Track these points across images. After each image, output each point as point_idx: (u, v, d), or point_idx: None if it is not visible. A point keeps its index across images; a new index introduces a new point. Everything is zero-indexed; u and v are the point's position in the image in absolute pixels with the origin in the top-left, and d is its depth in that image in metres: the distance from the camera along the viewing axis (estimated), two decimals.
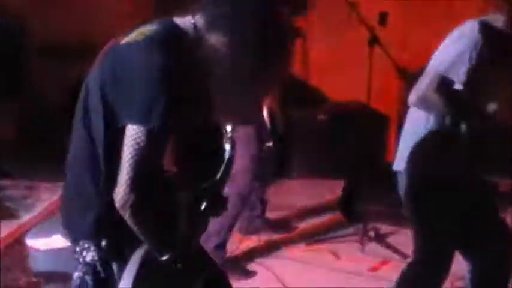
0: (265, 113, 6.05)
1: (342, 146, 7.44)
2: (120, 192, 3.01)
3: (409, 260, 4.67)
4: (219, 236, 5.61)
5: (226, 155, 3.58)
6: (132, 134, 2.99)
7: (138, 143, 2.97)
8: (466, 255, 4.60)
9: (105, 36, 3.96)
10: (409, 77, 4.85)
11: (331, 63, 8.01)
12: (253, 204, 6.35)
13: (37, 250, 5.42)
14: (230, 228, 5.76)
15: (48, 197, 6.72)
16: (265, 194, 6.55)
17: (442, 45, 4.42)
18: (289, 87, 6.84)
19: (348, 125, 7.53)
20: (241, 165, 5.53)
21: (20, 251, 5.87)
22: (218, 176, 3.48)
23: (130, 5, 8.24)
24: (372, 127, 7.28)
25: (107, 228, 3.22)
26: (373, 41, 6.53)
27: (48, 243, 4.95)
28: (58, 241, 3.90)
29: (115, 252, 3.25)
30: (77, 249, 3.28)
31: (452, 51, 4.29)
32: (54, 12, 7.75)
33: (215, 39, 3.15)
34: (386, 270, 5.55)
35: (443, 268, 4.46)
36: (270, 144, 6.13)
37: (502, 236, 4.56)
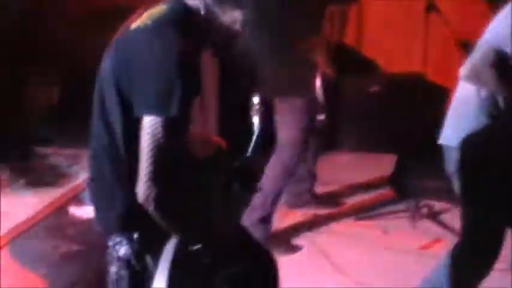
0: (318, 84, 6.00)
1: (395, 119, 7.39)
2: (142, 187, 2.99)
3: None
4: (264, 209, 5.56)
5: (255, 129, 3.45)
6: (150, 125, 2.93)
7: (155, 135, 2.92)
8: None
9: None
10: (469, 47, 4.75)
11: (387, 31, 7.99)
12: (302, 177, 6.30)
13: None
14: (275, 200, 5.72)
15: None
16: (314, 168, 6.52)
17: (495, 18, 4.30)
18: (341, 57, 6.80)
19: (403, 97, 7.46)
20: (288, 136, 5.47)
21: (61, 219, 5.95)
22: (248, 153, 3.38)
23: None
24: (428, 99, 7.10)
25: (137, 221, 3.19)
26: (431, 7, 6.43)
27: (91, 212, 4.99)
28: None
29: (148, 245, 3.22)
30: (110, 243, 3.26)
31: (506, 24, 4.17)
32: None
33: (227, 15, 3.09)
34: (438, 249, 5.48)
35: (492, 249, 4.41)
36: (322, 117, 6.11)
37: None
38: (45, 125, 7.31)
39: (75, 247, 5.46)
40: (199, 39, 3.05)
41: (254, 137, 3.41)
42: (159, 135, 2.89)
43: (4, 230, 5.68)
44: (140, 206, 3.05)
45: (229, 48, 3.27)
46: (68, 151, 7.09)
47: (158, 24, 2.99)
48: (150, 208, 3.01)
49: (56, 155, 7.12)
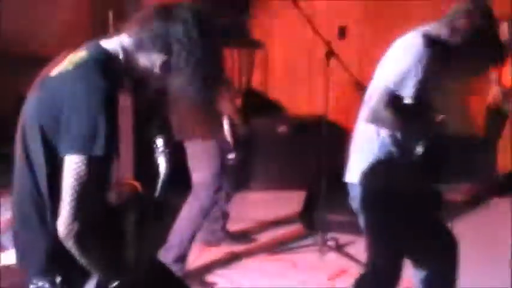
0: (226, 125, 6.09)
1: (302, 157, 7.54)
2: (63, 223, 2.98)
3: None
4: (180, 248, 5.61)
5: (162, 170, 3.50)
6: (72, 163, 2.95)
7: (78, 173, 2.93)
8: (416, 264, 4.61)
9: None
10: (364, 89, 4.94)
11: (291, 75, 8.11)
12: (215, 216, 6.39)
13: None
14: (191, 240, 5.76)
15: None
16: (227, 206, 6.58)
17: (386, 58, 4.47)
18: (250, 100, 6.97)
19: (307, 137, 7.57)
20: (202, 177, 5.56)
21: None
22: (156, 194, 3.42)
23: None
24: (331, 138, 7.17)
25: (60, 263, 3.19)
26: (330, 54, 6.59)
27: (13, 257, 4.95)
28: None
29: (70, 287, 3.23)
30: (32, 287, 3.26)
31: (399, 67, 4.29)
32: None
33: (145, 58, 3.18)
34: (345, 279, 5.56)
35: (394, 276, 4.50)
36: (233, 156, 6.18)
37: (450, 246, 4.60)
38: None
39: None
40: (118, 80, 3.08)
41: (160, 179, 3.44)
42: (82, 173, 2.89)
43: None
44: (62, 247, 3.03)
45: (144, 88, 3.25)
46: None
47: (80, 68, 3.01)
48: (70, 243, 3.00)
49: None
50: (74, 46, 3.51)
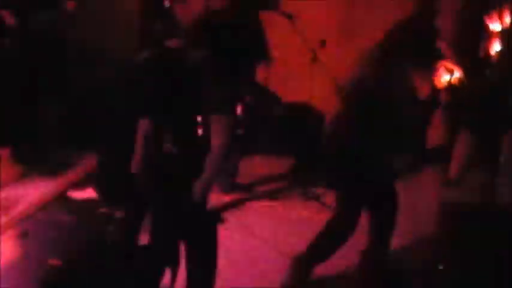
0: (239, 108, 6.12)
1: (291, 132, 7.43)
2: None
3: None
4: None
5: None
6: None
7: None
8: (371, 212, 4.64)
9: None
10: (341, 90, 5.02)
11: (289, 75, 8.05)
12: (229, 172, 6.41)
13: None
14: (210, 186, 5.73)
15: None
16: (237, 165, 6.59)
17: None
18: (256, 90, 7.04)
19: (297, 119, 7.53)
20: (219, 142, 5.61)
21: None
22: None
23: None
24: (314, 121, 7.26)
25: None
26: (314, 59, 6.61)
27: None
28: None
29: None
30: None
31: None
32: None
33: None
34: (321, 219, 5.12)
35: (352, 225, 4.50)
36: (241, 131, 6.19)
37: (393, 200, 4.65)
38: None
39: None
40: None
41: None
42: None
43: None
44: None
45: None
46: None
47: None
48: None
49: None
50: None
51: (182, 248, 3.81)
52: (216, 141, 5.23)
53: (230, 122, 5.66)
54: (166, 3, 7.33)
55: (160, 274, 3.68)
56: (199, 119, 3.88)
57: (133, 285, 3.56)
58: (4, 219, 5.22)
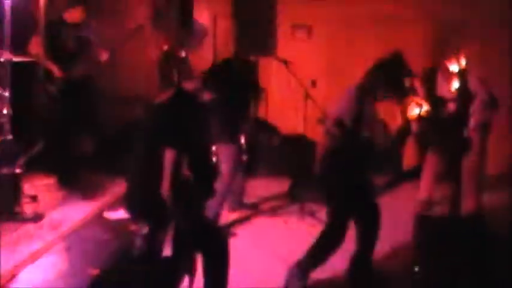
0: (242, 137, 6.02)
1: (289, 157, 7.44)
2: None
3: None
4: (217, 208, 5.57)
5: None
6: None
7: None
8: (358, 224, 4.65)
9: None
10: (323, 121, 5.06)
11: (284, 108, 8.05)
12: (237, 192, 6.33)
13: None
14: (222, 205, 5.74)
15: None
16: (243, 186, 6.49)
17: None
18: (257, 123, 7.06)
19: (292, 146, 7.53)
20: (227, 167, 5.62)
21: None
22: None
23: None
24: (308, 148, 7.21)
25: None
26: (307, 96, 6.60)
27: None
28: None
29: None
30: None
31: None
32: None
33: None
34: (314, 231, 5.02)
35: (341, 235, 4.47)
36: (245, 157, 6.10)
37: (376, 213, 4.66)
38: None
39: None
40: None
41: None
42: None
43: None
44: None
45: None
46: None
47: None
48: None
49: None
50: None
51: (199, 258, 3.82)
52: (224, 166, 5.29)
53: (234, 151, 5.74)
54: (183, 54, 7.45)
55: (179, 281, 3.69)
56: (213, 148, 3.90)
57: None
58: (51, 237, 5.24)
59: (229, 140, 5.68)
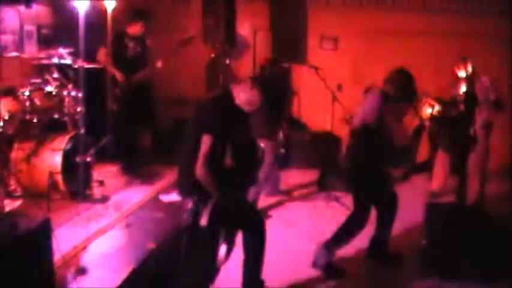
0: (281, 133, 6.10)
1: (318, 152, 7.42)
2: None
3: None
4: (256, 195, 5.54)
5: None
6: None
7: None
8: (378, 210, 4.65)
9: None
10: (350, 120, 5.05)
11: (313, 108, 8.00)
12: (273, 180, 6.34)
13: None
14: (259, 192, 5.68)
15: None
16: (279, 175, 6.50)
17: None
18: (292, 122, 7.09)
19: (322, 142, 7.53)
20: (268, 158, 5.57)
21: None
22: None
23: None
24: (334, 144, 7.31)
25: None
26: (334, 99, 6.62)
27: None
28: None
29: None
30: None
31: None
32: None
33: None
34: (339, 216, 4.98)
35: (365, 218, 4.47)
36: (283, 150, 6.21)
37: (393, 201, 4.65)
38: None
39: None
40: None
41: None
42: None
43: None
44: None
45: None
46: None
47: None
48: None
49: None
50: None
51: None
52: (266, 158, 5.27)
53: (272, 146, 5.76)
54: (227, 61, 7.55)
55: (217, 249, 3.67)
56: (259, 143, 3.90)
57: (199, 256, 3.57)
58: (116, 215, 5.30)
59: (268, 137, 5.64)
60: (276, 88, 5.78)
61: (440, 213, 4.59)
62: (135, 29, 6.56)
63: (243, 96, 3.53)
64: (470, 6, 7.45)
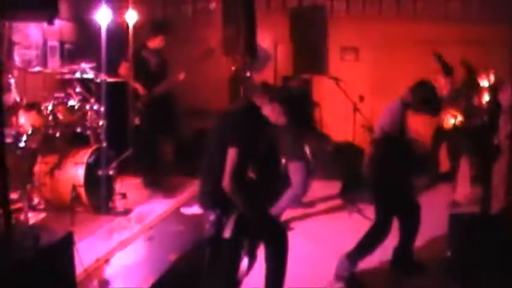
0: (308, 152, 5.96)
1: (340, 163, 7.39)
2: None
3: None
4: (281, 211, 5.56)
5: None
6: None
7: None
8: (401, 220, 4.63)
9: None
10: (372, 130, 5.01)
11: (335, 120, 7.99)
12: None
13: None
14: (284, 209, 5.64)
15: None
16: None
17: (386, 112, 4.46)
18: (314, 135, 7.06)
19: (344, 153, 7.48)
20: (298, 180, 5.54)
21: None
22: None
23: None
24: (356, 154, 7.16)
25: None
26: (355, 109, 6.68)
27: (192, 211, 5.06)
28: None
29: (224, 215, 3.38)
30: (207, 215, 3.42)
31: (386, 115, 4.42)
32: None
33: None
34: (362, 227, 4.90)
35: (386, 229, 4.45)
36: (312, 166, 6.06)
37: (416, 211, 4.64)
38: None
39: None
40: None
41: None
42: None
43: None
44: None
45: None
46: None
47: None
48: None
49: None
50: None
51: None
52: (294, 180, 5.22)
53: (302, 166, 5.62)
54: (248, 74, 7.57)
55: (239, 261, 3.64)
56: (282, 160, 3.86)
57: (221, 268, 3.57)
58: (138, 228, 5.32)
59: (298, 158, 5.58)
60: (299, 103, 5.74)
61: (465, 224, 4.50)
62: (155, 43, 6.63)
63: (266, 108, 3.54)
64: (491, 15, 7.42)
